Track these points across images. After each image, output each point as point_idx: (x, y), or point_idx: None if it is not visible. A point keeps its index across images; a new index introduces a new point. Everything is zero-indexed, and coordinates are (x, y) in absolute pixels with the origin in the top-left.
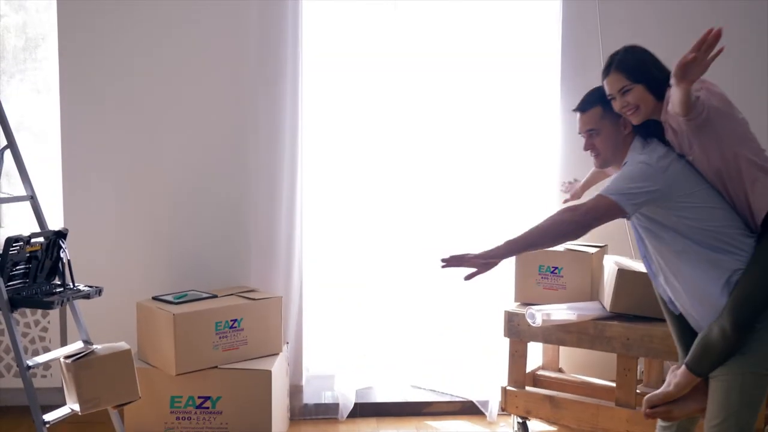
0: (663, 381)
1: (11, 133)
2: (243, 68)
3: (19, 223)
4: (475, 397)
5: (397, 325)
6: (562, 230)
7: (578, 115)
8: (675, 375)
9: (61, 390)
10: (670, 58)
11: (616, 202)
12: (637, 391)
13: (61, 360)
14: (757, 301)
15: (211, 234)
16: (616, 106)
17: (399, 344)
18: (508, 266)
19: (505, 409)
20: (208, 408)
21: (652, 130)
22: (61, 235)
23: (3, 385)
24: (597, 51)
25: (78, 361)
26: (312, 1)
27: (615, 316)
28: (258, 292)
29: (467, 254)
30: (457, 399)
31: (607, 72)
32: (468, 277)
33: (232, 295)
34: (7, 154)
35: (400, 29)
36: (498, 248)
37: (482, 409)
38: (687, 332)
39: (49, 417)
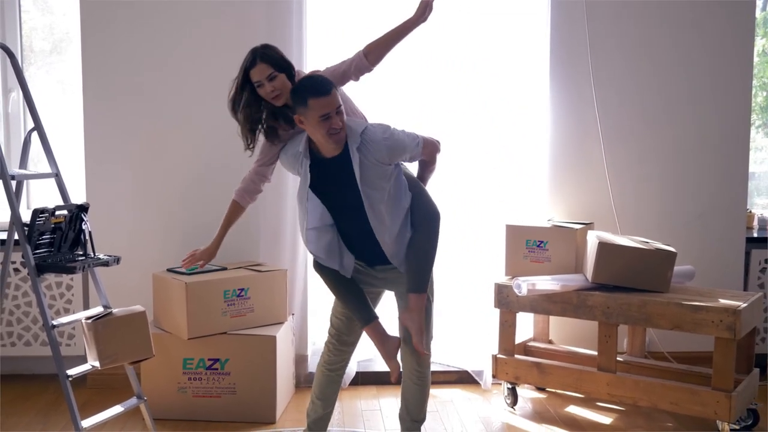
0: (646, 350)
1: (38, 116)
2: None
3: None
4: (470, 367)
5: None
6: None
7: (319, 99)
8: (408, 310)
9: (83, 357)
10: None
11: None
12: (620, 359)
13: (83, 321)
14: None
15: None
16: (264, 91)
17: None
18: (498, 242)
19: (495, 376)
20: (217, 369)
21: None
22: (83, 208)
23: (31, 353)
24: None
25: (98, 320)
26: None
27: (596, 286)
28: (265, 266)
29: None
30: (453, 369)
31: (254, 63)
32: None
33: (240, 267)
34: (35, 136)
35: None
36: None
37: (477, 379)
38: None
39: (71, 372)
